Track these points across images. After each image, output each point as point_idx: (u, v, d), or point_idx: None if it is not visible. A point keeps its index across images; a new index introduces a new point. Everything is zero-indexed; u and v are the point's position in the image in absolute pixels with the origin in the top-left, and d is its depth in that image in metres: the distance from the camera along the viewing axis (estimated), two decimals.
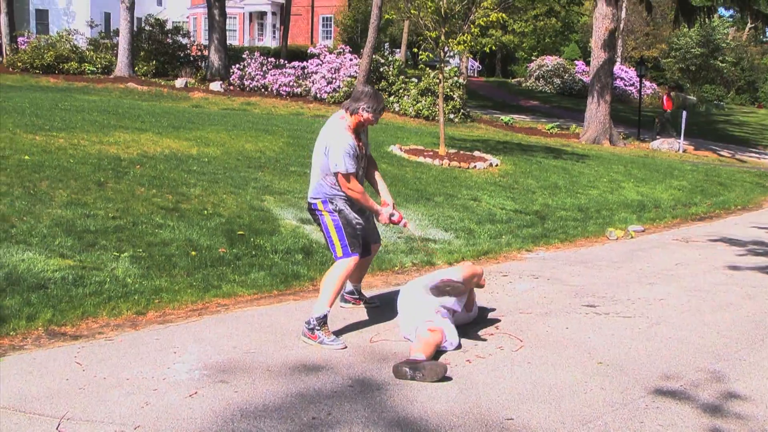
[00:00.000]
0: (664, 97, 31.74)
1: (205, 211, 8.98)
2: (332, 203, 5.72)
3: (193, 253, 7.57)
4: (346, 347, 5.43)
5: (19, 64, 30.00)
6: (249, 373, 4.77)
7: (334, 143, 5.62)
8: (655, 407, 4.40)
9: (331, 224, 5.73)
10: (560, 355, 5.34)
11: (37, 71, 29.71)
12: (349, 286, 6.51)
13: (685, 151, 26.17)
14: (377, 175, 6.16)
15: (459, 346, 5.44)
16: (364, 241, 5.93)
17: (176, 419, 4.03)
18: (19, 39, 33.45)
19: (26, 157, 10.04)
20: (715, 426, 4.17)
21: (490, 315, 6.37)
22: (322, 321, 5.52)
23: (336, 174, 5.63)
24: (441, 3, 15.06)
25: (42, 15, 54.76)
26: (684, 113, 27.15)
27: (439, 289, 5.52)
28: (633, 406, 4.41)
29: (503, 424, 4.11)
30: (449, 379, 4.75)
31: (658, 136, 28.68)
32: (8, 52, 31.81)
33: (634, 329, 6.03)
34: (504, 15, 16.02)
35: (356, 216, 5.78)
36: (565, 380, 4.81)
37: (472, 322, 6.07)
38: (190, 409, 4.16)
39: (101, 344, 5.26)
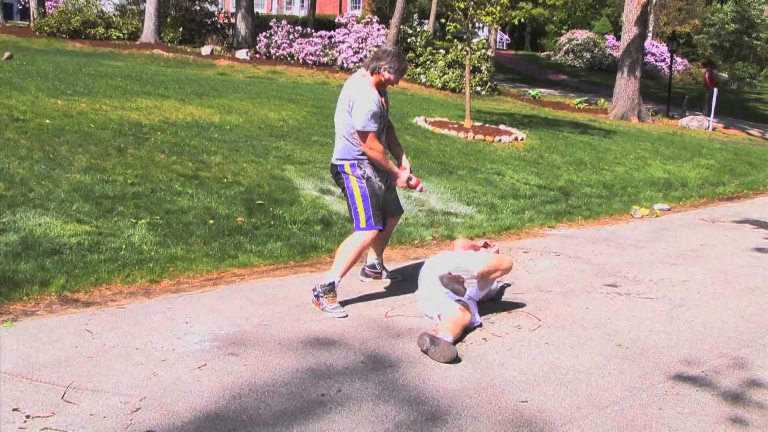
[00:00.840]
0: (706, 74, 31.20)
1: (225, 180, 8.90)
2: (360, 168, 5.63)
3: (211, 221, 7.50)
4: (346, 316, 5.39)
5: (46, 28, 29.96)
6: (260, 345, 4.69)
7: (359, 99, 5.53)
8: (674, 393, 4.28)
9: (357, 191, 5.64)
10: (579, 336, 5.22)
11: (64, 36, 29.67)
12: (371, 260, 6.42)
13: (714, 129, 25.77)
14: (395, 139, 6.09)
15: (480, 324, 5.34)
16: (385, 212, 5.85)
17: (183, 392, 3.96)
18: (47, 3, 33.45)
19: (47, 121, 9.99)
20: (736, 415, 4.04)
21: (510, 292, 6.25)
22: (328, 289, 5.46)
23: (358, 132, 5.53)
24: None
25: None
26: (714, 91, 26.71)
27: (444, 283, 5.35)
28: (652, 392, 4.29)
29: (516, 407, 4.00)
30: (459, 361, 4.64)
31: (687, 113, 28.25)
32: (36, 16, 31.81)
33: (655, 311, 5.90)
34: None
35: (381, 185, 5.69)
36: (582, 362, 4.69)
37: (490, 299, 5.95)
38: (198, 381, 4.10)
39: (113, 312, 5.21)
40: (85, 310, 5.23)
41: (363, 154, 5.63)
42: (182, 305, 5.43)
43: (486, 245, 6.32)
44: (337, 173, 5.77)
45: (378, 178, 5.68)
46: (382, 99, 5.70)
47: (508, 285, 6.46)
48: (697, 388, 4.37)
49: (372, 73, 5.65)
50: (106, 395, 3.87)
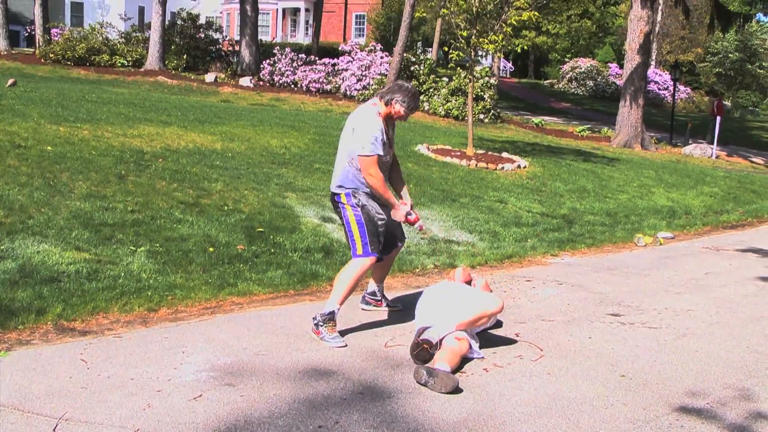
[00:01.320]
0: (715, 103, 31.21)
1: (226, 207, 8.85)
2: (355, 197, 5.59)
3: (211, 249, 7.45)
4: (345, 346, 5.33)
5: (51, 55, 30.13)
6: (257, 376, 4.62)
7: (362, 124, 5.53)
8: (679, 426, 4.19)
9: (353, 219, 5.59)
10: (581, 366, 5.14)
11: (69, 63, 29.83)
12: (372, 287, 6.36)
13: (717, 157, 25.75)
14: (399, 175, 6.05)
15: (482, 357, 5.25)
16: (387, 238, 5.79)
17: (177, 423, 3.88)
18: (53, 30, 33.65)
19: (49, 147, 9.98)
20: None
21: (511, 321, 6.17)
22: (328, 318, 5.41)
23: (359, 158, 5.49)
24: (473, 2, 14.85)
25: (77, 7, 55.08)
26: (717, 119, 26.72)
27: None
28: (656, 424, 4.20)
29: None
30: (460, 391, 4.57)
31: (690, 141, 28.21)
32: (41, 44, 31.99)
33: (659, 341, 5.82)
34: (537, 13, 15.74)
35: (379, 212, 5.63)
36: (585, 394, 4.61)
37: (492, 328, 5.88)
38: (193, 413, 4.02)
39: (109, 341, 5.14)
40: (81, 339, 5.16)
41: (362, 183, 5.58)
42: (179, 334, 5.36)
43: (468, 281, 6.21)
44: (335, 203, 5.75)
45: (375, 205, 5.62)
46: (389, 131, 5.69)
47: (515, 315, 6.38)
48: (702, 421, 4.28)
49: (385, 104, 5.63)
50: (99, 427, 3.80)
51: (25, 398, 4.10)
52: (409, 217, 5.73)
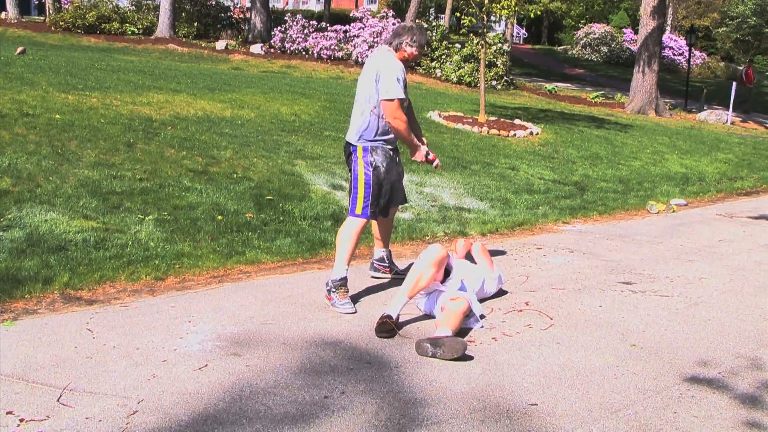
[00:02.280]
0: (745, 69, 30.93)
1: (235, 175, 8.80)
2: (372, 154, 5.50)
3: (219, 217, 7.40)
4: (355, 312, 5.32)
5: (61, 23, 29.99)
6: (263, 345, 4.58)
7: (386, 68, 5.39)
8: (690, 396, 4.13)
9: (362, 178, 5.52)
10: (592, 335, 5.08)
11: (79, 31, 29.70)
12: (379, 253, 6.31)
13: (733, 123, 25.48)
14: (414, 119, 6.01)
15: (482, 326, 5.17)
16: (390, 199, 5.70)
17: (182, 394, 3.85)
18: None
19: (57, 116, 9.92)
20: (753, 419, 3.89)
21: (521, 290, 6.11)
22: (340, 284, 5.40)
23: (383, 103, 5.37)
24: None
25: None
26: (734, 84, 26.41)
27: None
28: (666, 394, 4.14)
29: (526, 410, 3.87)
30: (470, 357, 4.52)
31: (705, 107, 27.91)
32: (51, 12, 31.87)
33: (671, 309, 5.75)
34: None
35: (388, 174, 5.55)
36: (595, 363, 4.56)
37: (502, 297, 5.83)
38: (198, 383, 3.99)
39: (116, 310, 5.11)
40: (88, 308, 5.13)
41: (380, 135, 5.50)
42: (186, 303, 5.32)
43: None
44: (349, 154, 5.66)
45: (386, 167, 5.54)
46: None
47: (525, 283, 6.31)
48: (713, 391, 4.22)
49: (396, 50, 5.54)
50: (104, 397, 3.77)
51: (30, 368, 4.07)
52: (428, 156, 5.80)
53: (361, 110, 5.54)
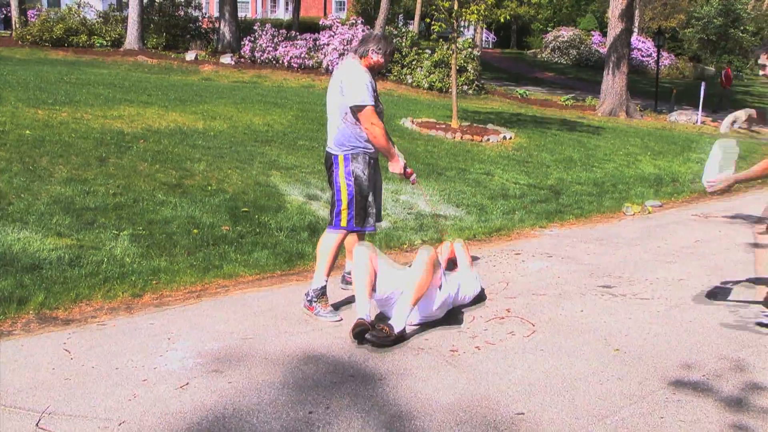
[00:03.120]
0: (723, 72, 31.36)
1: (209, 188, 8.72)
2: (353, 162, 5.39)
3: (195, 231, 7.32)
4: (341, 320, 5.30)
5: (28, 37, 29.69)
6: (245, 361, 4.52)
7: (351, 77, 5.32)
8: (675, 400, 4.12)
9: (344, 190, 5.42)
10: (575, 341, 5.06)
11: (47, 45, 29.42)
12: (350, 266, 6.25)
13: (703, 123, 25.70)
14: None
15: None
16: (374, 208, 5.65)
17: (164, 414, 3.78)
18: (29, 12, 33.18)
19: (27, 132, 9.80)
20: (740, 422, 3.89)
21: (502, 297, 6.09)
22: (320, 293, 5.39)
23: (356, 110, 5.28)
24: None
25: None
26: (702, 85, 26.65)
27: None
28: (652, 399, 4.13)
29: (513, 420, 3.84)
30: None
31: (675, 108, 28.15)
32: (18, 26, 31.54)
33: (652, 312, 5.75)
34: None
35: (369, 184, 5.48)
36: (579, 369, 4.54)
37: (483, 304, 5.80)
38: (180, 402, 3.92)
39: (93, 330, 5.02)
40: (65, 328, 5.04)
41: (359, 141, 5.39)
42: (165, 320, 5.25)
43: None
44: (331, 165, 5.53)
45: (367, 175, 5.45)
46: (374, 83, 5.51)
47: (505, 290, 6.29)
48: (698, 394, 4.21)
49: (361, 58, 5.47)
50: (83, 420, 3.69)
51: (7, 392, 3.99)
52: (406, 169, 5.75)
53: (335, 122, 5.46)
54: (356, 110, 5.29)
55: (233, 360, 4.53)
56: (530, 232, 8.90)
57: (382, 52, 5.48)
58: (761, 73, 5.44)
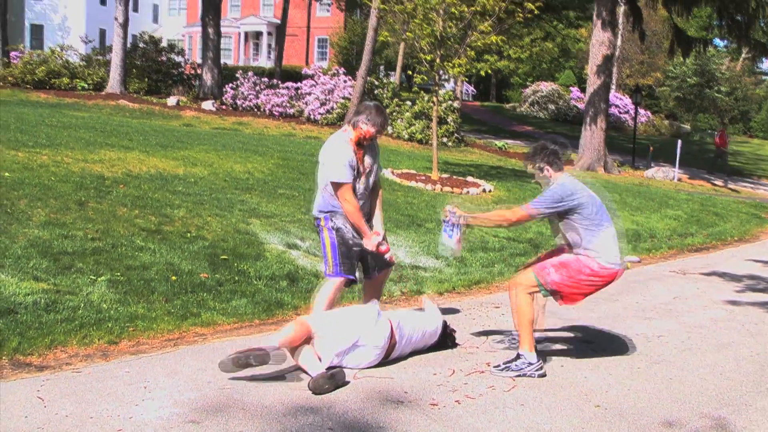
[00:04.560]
0: (718, 133, 31.95)
1: (189, 234, 8.67)
2: (332, 220, 5.78)
3: (174, 278, 7.26)
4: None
5: (10, 78, 29.71)
6: (222, 412, 4.44)
7: (329, 152, 5.73)
8: None
9: (327, 241, 5.80)
10: (555, 396, 5.03)
11: (28, 86, 29.43)
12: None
13: (679, 179, 25.99)
14: (377, 201, 6.13)
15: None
16: (365, 261, 5.98)
17: None
18: (12, 53, 33.20)
19: (6, 173, 9.73)
20: None
21: (482, 350, 6.06)
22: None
23: (333, 186, 5.68)
24: (437, 26, 14.86)
25: (37, 30, 54.67)
26: (679, 142, 27.00)
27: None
28: None
29: None
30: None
31: (652, 164, 28.47)
32: (0, 67, 31.54)
33: (632, 368, 5.73)
34: (503, 38, 15.81)
35: (354, 237, 5.78)
36: (560, 426, 4.50)
37: (462, 358, 5.77)
38: None
39: (68, 376, 4.94)
40: (39, 375, 4.95)
41: (335, 205, 5.74)
42: (141, 368, 5.17)
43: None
44: (317, 228, 5.96)
45: (351, 228, 5.76)
46: (361, 159, 5.79)
47: (484, 343, 6.25)
48: None
49: (353, 127, 5.77)
50: None
51: None
52: (380, 247, 5.84)
53: (320, 191, 5.87)
54: (334, 186, 5.68)
55: (210, 410, 4.46)
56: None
57: (371, 122, 5.74)
58: (533, 181, 5.98)
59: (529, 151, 5.90)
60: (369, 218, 5.97)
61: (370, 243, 5.78)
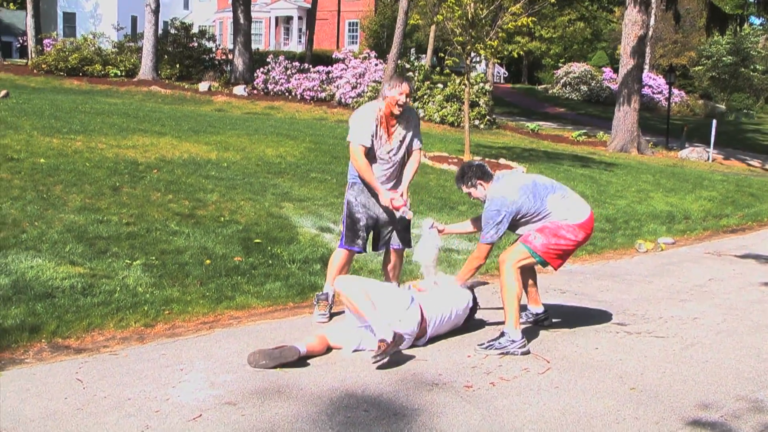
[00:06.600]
0: None
1: (222, 218, 8.73)
2: (350, 190, 6.12)
3: (208, 261, 7.31)
4: (327, 321, 6.07)
5: (43, 66, 30.01)
6: (258, 393, 4.48)
7: (353, 117, 6.10)
8: None
9: (343, 211, 6.22)
10: (590, 378, 5.01)
11: (62, 73, 29.71)
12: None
13: (714, 160, 25.70)
14: (407, 168, 6.24)
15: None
16: (376, 234, 6.28)
17: None
18: (45, 41, 33.52)
19: (42, 160, 9.85)
20: None
21: None
22: (321, 297, 6.16)
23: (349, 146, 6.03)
24: (468, 8, 14.76)
25: (69, 18, 55.15)
26: (713, 122, 26.67)
27: None
28: None
29: None
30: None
31: (687, 144, 28.17)
32: (34, 55, 31.86)
33: (667, 351, 5.69)
34: (533, 18, 15.68)
35: (362, 209, 6.05)
36: (595, 408, 4.48)
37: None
38: None
39: (105, 359, 5.00)
40: (76, 357, 5.02)
41: (356, 172, 6.01)
42: (177, 351, 5.22)
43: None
44: None
45: (359, 201, 6.07)
46: (389, 128, 5.95)
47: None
48: None
49: (383, 98, 5.97)
50: None
51: (19, 421, 3.96)
52: (394, 202, 5.96)
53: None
54: (350, 147, 5.99)
55: (246, 392, 4.49)
56: (543, 268, 8.84)
57: (391, 87, 5.88)
58: (472, 198, 6.10)
59: (457, 175, 6.00)
60: (396, 186, 6.13)
61: (383, 198, 5.96)
